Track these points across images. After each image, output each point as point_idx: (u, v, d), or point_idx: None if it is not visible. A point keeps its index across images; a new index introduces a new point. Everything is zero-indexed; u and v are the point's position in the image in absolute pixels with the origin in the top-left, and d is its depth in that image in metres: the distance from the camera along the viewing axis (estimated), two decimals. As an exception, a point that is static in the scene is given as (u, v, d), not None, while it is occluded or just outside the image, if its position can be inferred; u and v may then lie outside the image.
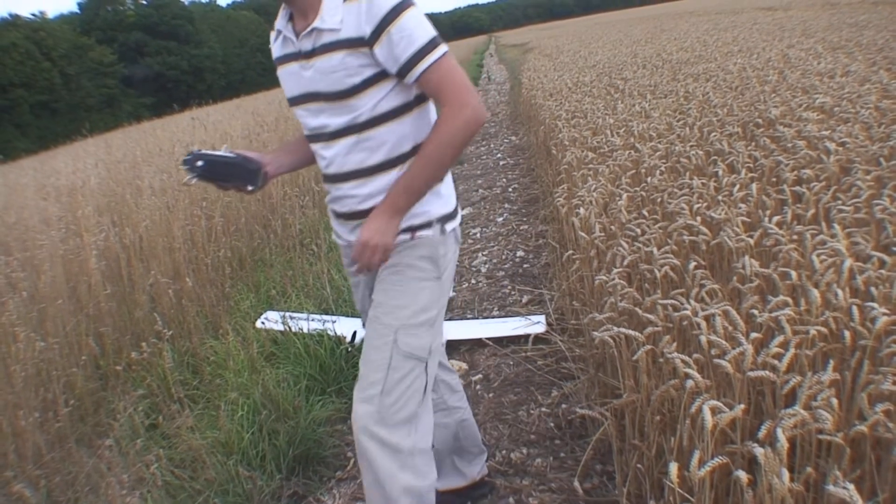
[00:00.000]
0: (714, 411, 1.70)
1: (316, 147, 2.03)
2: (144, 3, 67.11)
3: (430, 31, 1.81)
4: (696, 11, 35.04)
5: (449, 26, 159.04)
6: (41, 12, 61.38)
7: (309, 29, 1.86)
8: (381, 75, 1.85)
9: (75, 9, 65.42)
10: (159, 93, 58.61)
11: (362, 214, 1.98)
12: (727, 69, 7.90)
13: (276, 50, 2.03)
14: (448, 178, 2.10)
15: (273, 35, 2.04)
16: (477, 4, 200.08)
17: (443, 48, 1.82)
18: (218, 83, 64.73)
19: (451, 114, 1.79)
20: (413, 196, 1.88)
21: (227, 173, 2.05)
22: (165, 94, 56.49)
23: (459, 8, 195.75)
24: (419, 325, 1.96)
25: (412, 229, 1.98)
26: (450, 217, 2.06)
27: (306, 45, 1.88)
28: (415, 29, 1.78)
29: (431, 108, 2.01)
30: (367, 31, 1.78)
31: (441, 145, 1.82)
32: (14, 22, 57.20)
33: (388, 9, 1.76)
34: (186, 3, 71.48)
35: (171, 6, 66.35)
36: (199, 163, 2.03)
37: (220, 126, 10.05)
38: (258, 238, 5.96)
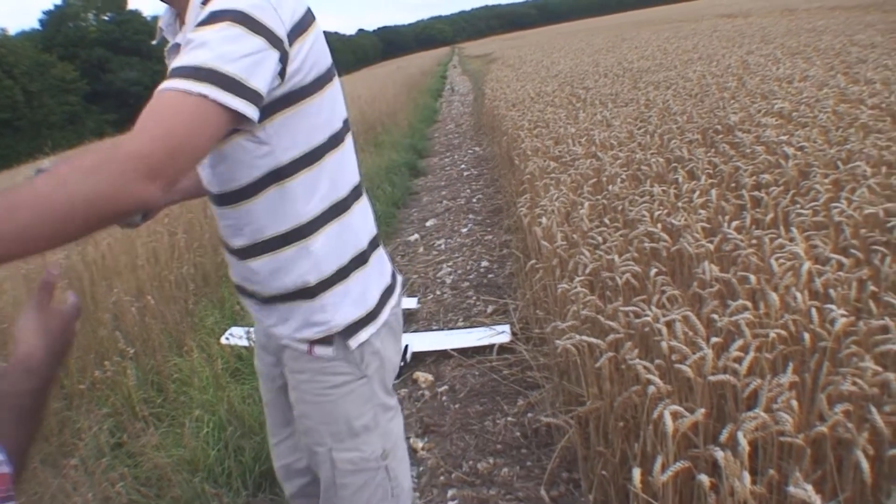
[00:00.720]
0: (675, 416, 1.71)
1: None
2: (106, 18, 66.54)
3: (217, 60, 1.11)
4: (657, 20, 35.52)
5: (412, 38, 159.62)
6: (2, 29, 60.59)
7: (172, 44, 1.41)
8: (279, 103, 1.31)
9: (37, 25, 64.70)
10: (122, 108, 58.03)
11: (245, 293, 1.59)
12: (687, 77, 8.01)
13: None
14: (376, 254, 1.58)
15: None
16: (440, 16, 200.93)
17: (199, 87, 1.08)
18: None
19: (118, 143, 1.01)
20: None
21: None
22: (128, 110, 55.95)
23: (423, 20, 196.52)
24: (356, 436, 1.54)
25: (307, 342, 1.50)
26: (366, 321, 1.51)
27: (170, 60, 1.37)
28: (209, 41, 1.13)
29: (323, 169, 1.42)
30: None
31: (70, 175, 0.96)
32: (-27, 40, 56.47)
33: (211, 11, 1.16)
34: (149, 18, 70.95)
35: (132, 22, 65.84)
36: None
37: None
38: (222, 254, 5.92)
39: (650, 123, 5.29)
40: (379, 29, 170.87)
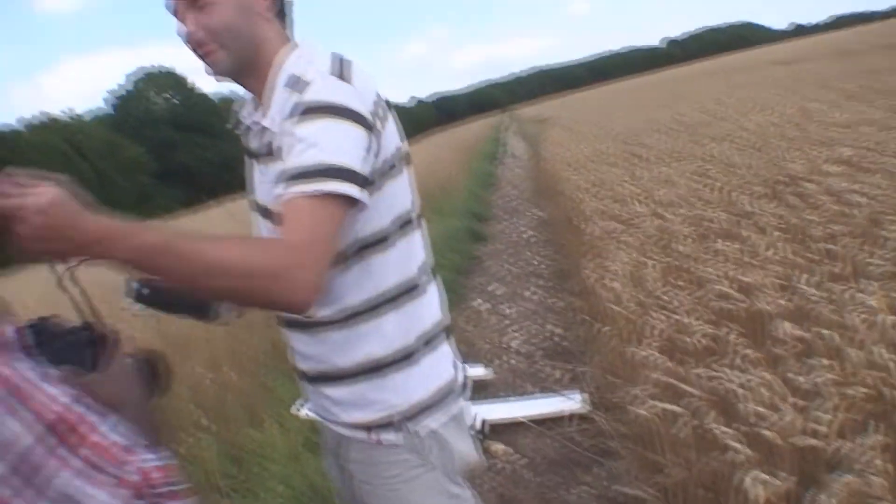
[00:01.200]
0: (761, 484, 1.66)
1: None
2: (174, 99, 69.25)
3: (336, 157, 1.23)
4: (710, 71, 35.43)
5: (467, 104, 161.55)
6: (70, 109, 63.50)
7: (247, 124, 1.49)
8: None
9: (108, 108, 67.50)
10: (190, 186, 59.91)
11: (307, 377, 1.58)
12: (745, 127, 7.96)
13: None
14: (445, 341, 1.56)
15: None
16: (493, 81, 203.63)
17: (331, 185, 1.20)
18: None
19: (282, 255, 1.16)
20: (144, 259, 1.09)
21: (175, 301, 1.53)
22: (196, 187, 57.71)
23: (475, 85, 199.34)
24: None
25: (372, 428, 1.48)
26: (433, 408, 1.49)
27: (255, 142, 1.47)
28: (319, 139, 1.24)
29: (399, 249, 1.46)
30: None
31: (232, 260, 1.13)
32: (49, 123, 59.22)
33: (307, 106, 1.27)
34: (216, 100, 73.60)
35: (199, 103, 68.35)
36: (145, 290, 1.52)
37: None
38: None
39: (712, 178, 5.26)
40: (432, 96, 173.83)
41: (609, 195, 5.81)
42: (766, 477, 1.67)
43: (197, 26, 1.35)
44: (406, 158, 1.48)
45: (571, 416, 3.55)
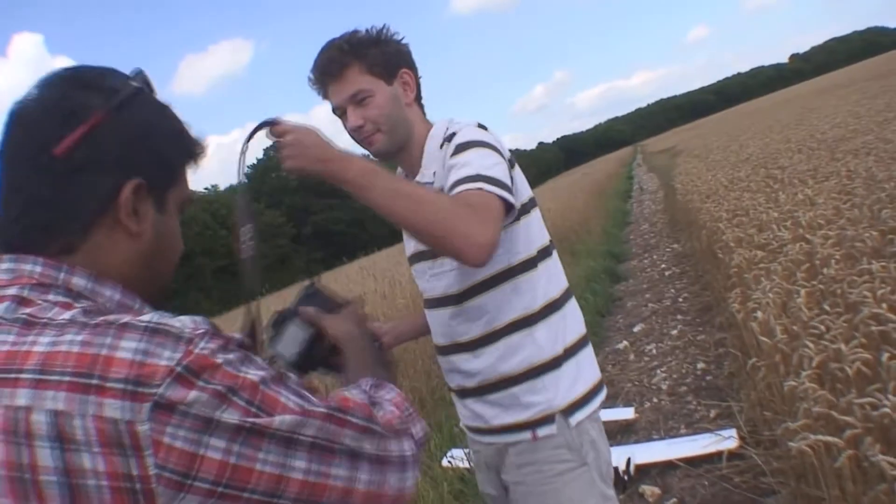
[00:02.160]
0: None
1: (426, 312, 1.85)
2: (305, 166, 72.77)
3: (488, 170, 1.49)
4: (841, 83, 33.96)
5: (592, 144, 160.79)
6: (213, 186, 67.71)
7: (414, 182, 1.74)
8: None
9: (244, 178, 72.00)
10: (327, 247, 62.16)
11: (470, 392, 1.77)
12: (887, 139, 7.58)
13: None
14: (586, 350, 1.78)
15: None
16: (616, 117, 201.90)
17: (494, 188, 1.45)
18: (379, 231, 68.44)
19: (471, 206, 1.40)
20: (369, 181, 1.38)
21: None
22: (333, 248, 59.81)
23: (600, 124, 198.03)
24: None
25: (531, 426, 1.67)
26: (580, 404, 1.69)
27: None
28: (469, 161, 1.51)
29: (540, 273, 1.71)
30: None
31: (438, 201, 1.41)
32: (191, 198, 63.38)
33: (459, 143, 1.58)
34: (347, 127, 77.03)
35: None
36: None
37: (387, 273, 10.41)
38: (436, 376, 6.06)
39: (856, 195, 5.02)
40: (558, 139, 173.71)
41: (749, 222, 5.63)
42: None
43: (361, 118, 1.66)
44: (534, 201, 1.76)
45: (723, 454, 3.43)
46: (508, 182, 1.51)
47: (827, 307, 3.16)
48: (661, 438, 4.15)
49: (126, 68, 0.94)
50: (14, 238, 0.85)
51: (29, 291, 0.81)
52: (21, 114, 0.85)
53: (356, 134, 1.69)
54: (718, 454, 3.55)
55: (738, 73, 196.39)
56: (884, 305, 2.76)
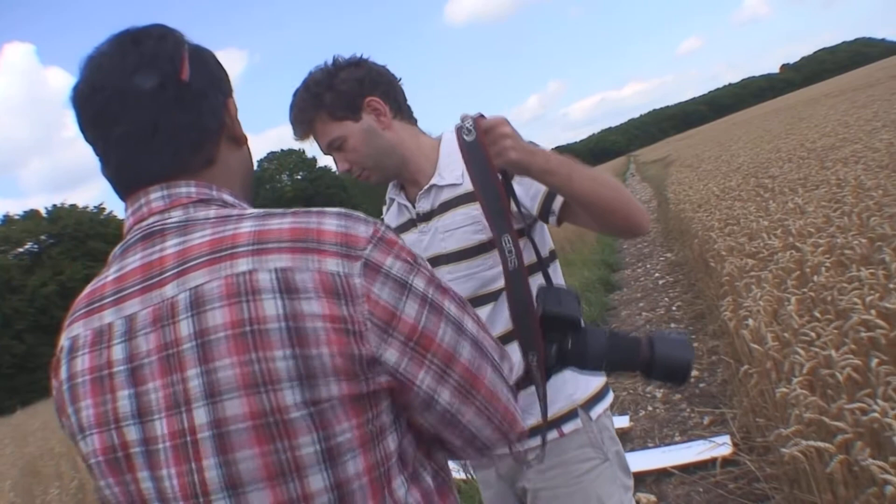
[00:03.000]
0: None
1: None
2: (300, 178, 72.39)
3: None
4: (831, 93, 34.17)
5: (587, 154, 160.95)
6: None
7: (427, 187, 1.74)
8: (519, 232, 1.57)
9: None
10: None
11: None
12: (874, 147, 7.65)
13: (391, 219, 1.89)
14: None
15: (386, 205, 1.93)
16: (610, 128, 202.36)
17: None
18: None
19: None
20: (568, 170, 1.49)
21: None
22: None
23: (594, 134, 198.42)
24: None
25: (556, 424, 1.68)
26: (599, 397, 1.75)
27: (424, 205, 1.75)
28: None
29: (556, 272, 1.78)
30: None
31: (622, 186, 1.58)
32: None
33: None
34: (338, 173, 76.82)
35: (324, 178, 71.22)
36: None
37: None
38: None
39: (845, 203, 5.07)
40: (552, 150, 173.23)
41: (740, 231, 5.68)
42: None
43: (345, 163, 1.71)
44: None
45: (718, 461, 3.47)
46: None
47: (817, 314, 3.19)
48: (656, 446, 4.18)
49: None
50: (165, 165, 0.94)
51: (194, 208, 0.93)
52: (124, 67, 0.93)
53: (349, 175, 1.74)
54: (713, 461, 3.58)
55: (730, 84, 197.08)
56: (873, 311, 2.80)
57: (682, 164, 20.57)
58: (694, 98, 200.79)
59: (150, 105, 0.92)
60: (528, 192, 1.63)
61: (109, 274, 0.93)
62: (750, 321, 3.44)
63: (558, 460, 1.67)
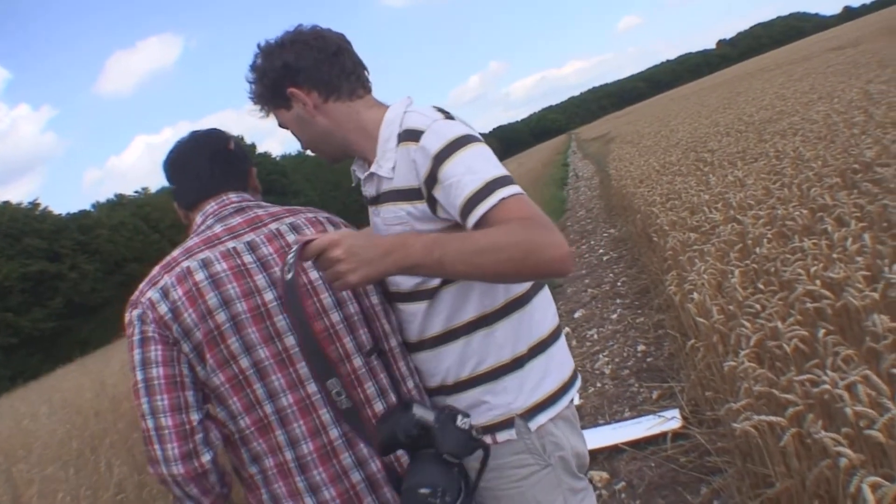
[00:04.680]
0: (874, 487, 1.59)
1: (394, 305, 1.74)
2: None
3: (490, 171, 1.45)
4: (767, 67, 34.76)
5: (528, 133, 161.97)
6: (143, 189, 66.13)
7: (368, 173, 1.65)
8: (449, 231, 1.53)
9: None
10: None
11: (433, 392, 1.71)
12: (811, 119, 7.77)
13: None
14: (558, 344, 1.71)
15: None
16: (550, 106, 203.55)
17: (509, 189, 1.43)
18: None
19: (528, 225, 1.37)
20: (439, 254, 1.35)
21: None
22: (276, 248, 59.19)
23: (534, 113, 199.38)
24: None
25: (490, 430, 1.60)
26: (545, 405, 1.63)
27: (370, 190, 1.68)
28: (468, 170, 1.44)
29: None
30: (419, 180, 1.52)
31: (510, 236, 1.34)
32: (120, 201, 61.46)
33: (437, 150, 1.48)
34: (278, 158, 75.29)
35: (264, 164, 70.09)
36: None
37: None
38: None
39: (785, 175, 5.13)
40: (494, 129, 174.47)
41: (682, 205, 5.71)
42: (880, 480, 1.60)
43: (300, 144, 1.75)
44: None
45: (668, 436, 3.47)
46: (506, 171, 1.49)
47: (761, 286, 3.21)
48: (607, 423, 4.18)
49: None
50: (226, 185, 1.75)
51: (245, 201, 1.72)
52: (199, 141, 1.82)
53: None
54: (663, 435, 3.59)
55: (668, 61, 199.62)
56: (818, 282, 2.80)
57: (623, 141, 20.75)
58: (633, 75, 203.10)
59: (214, 160, 1.76)
60: (447, 199, 1.48)
61: (215, 229, 1.64)
62: (695, 295, 3.45)
63: (494, 464, 1.57)
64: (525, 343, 1.61)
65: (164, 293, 1.51)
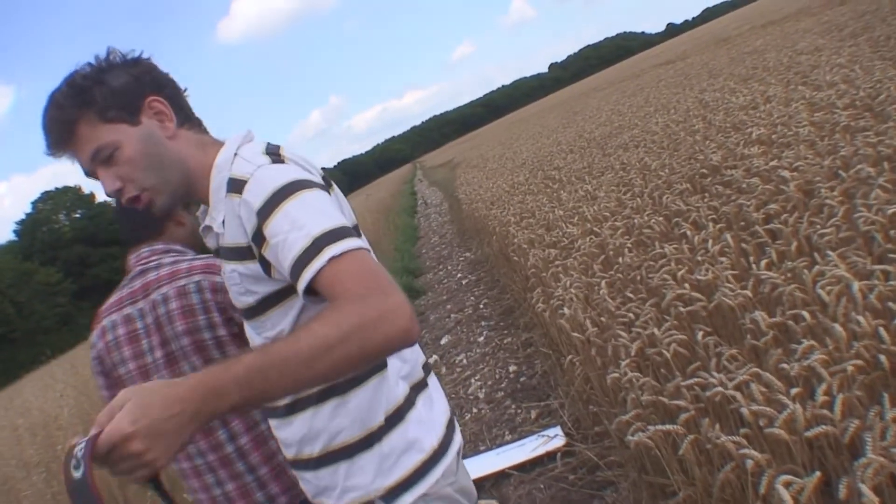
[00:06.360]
0: (787, 485, 1.55)
1: None
2: (78, 216, 67.61)
3: (319, 224, 1.22)
4: (600, 86, 36.30)
5: (373, 164, 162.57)
6: None
7: (204, 225, 1.44)
8: (287, 292, 1.35)
9: (13, 237, 66.48)
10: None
11: (292, 464, 1.52)
12: (652, 130, 8.05)
13: None
14: (423, 398, 1.50)
15: None
16: (393, 137, 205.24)
17: (340, 246, 1.19)
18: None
19: (358, 299, 1.13)
20: (260, 384, 1.06)
21: None
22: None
23: (378, 144, 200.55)
24: None
25: None
26: (412, 481, 1.42)
27: (211, 242, 1.46)
28: (293, 226, 1.22)
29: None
30: (247, 238, 1.30)
31: (339, 327, 1.09)
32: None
33: (260, 205, 1.26)
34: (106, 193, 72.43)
35: (105, 214, 66.79)
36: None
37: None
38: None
39: (635, 185, 5.24)
40: (339, 163, 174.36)
41: (537, 223, 5.75)
42: (792, 477, 1.56)
43: (115, 180, 1.34)
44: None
45: (554, 454, 3.41)
46: (342, 220, 1.25)
47: (630, 295, 3.21)
48: (489, 449, 4.08)
49: None
50: (139, 236, 2.01)
51: (150, 263, 1.96)
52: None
53: (119, 199, 1.36)
54: (549, 454, 3.52)
55: (503, 86, 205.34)
56: (686, 286, 2.82)
57: (469, 165, 21.03)
58: (471, 101, 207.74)
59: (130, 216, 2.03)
60: (276, 260, 1.26)
61: (124, 291, 1.97)
62: (566, 309, 3.42)
63: None
64: (382, 412, 1.40)
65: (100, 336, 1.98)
